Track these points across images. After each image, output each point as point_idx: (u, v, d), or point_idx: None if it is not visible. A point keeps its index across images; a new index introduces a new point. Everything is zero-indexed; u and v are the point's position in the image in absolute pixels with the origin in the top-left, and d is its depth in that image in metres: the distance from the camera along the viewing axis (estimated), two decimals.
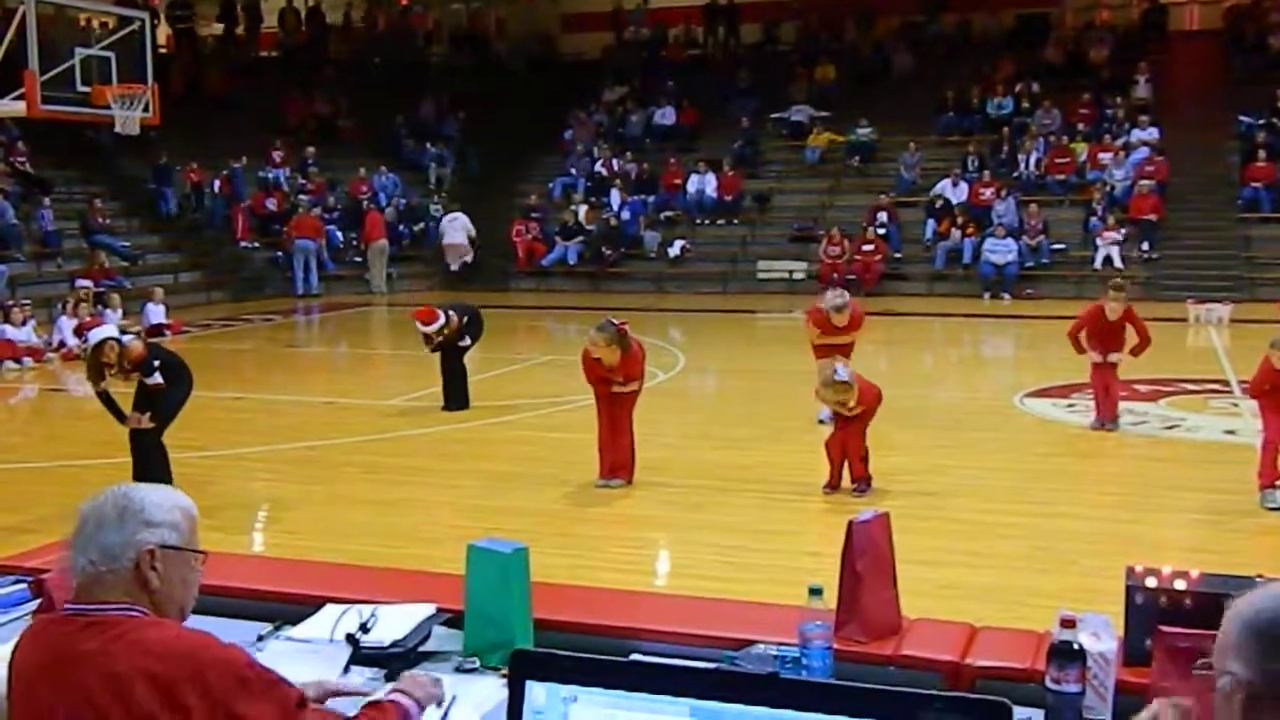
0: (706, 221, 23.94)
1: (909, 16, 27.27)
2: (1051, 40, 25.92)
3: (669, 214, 24.06)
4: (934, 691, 1.68)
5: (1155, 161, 22.03)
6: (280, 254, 22.85)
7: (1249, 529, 7.39)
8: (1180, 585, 2.63)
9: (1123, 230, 20.87)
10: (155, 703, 2.01)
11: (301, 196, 23.60)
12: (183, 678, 2.02)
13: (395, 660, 2.76)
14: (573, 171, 25.42)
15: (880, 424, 8.18)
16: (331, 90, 26.83)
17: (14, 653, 2.21)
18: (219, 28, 28.95)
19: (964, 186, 22.56)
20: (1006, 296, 20.69)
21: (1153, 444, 9.87)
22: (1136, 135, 22.78)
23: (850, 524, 2.93)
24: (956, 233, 21.75)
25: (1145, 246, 20.94)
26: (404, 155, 26.28)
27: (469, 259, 23.50)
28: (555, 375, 12.78)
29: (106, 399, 8.08)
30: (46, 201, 19.95)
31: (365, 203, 24.02)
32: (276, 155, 24.45)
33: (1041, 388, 11.93)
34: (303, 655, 2.69)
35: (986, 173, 22.75)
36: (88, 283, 17.93)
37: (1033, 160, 22.97)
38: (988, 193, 22.20)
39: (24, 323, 15.27)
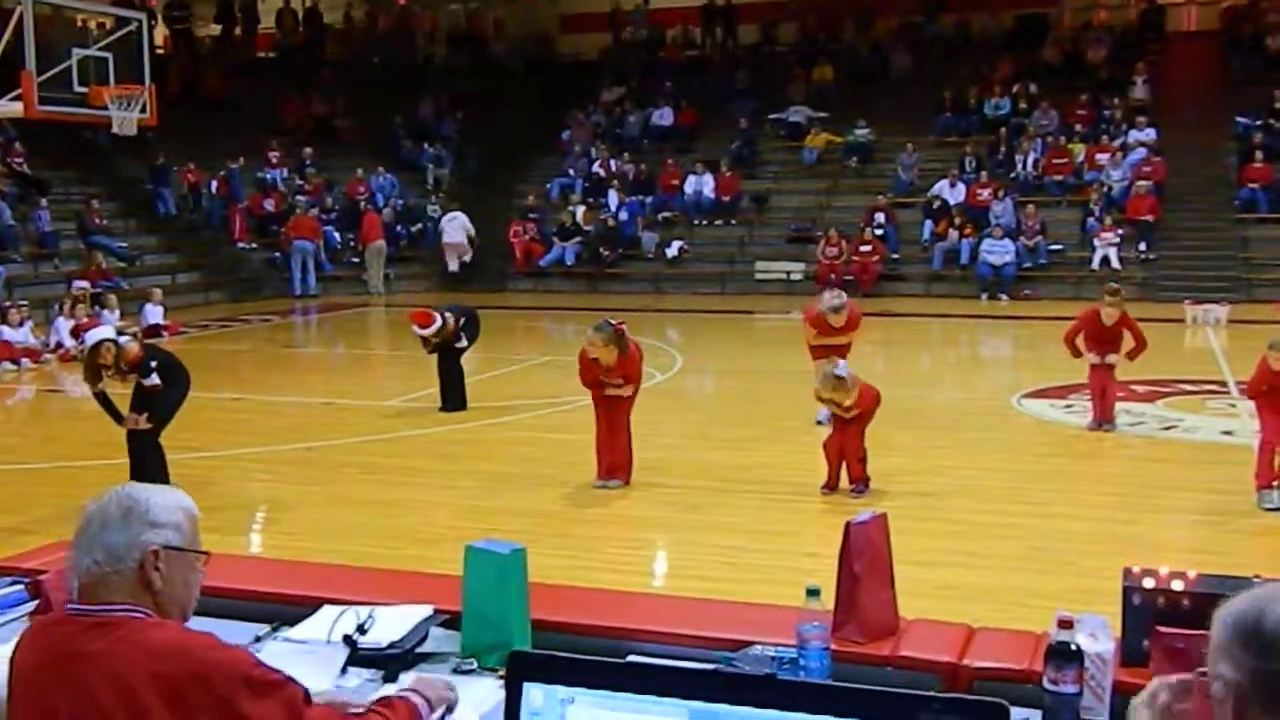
0: (704, 222, 23.94)
1: (907, 17, 27.27)
2: (1049, 41, 25.93)
3: (667, 214, 24.06)
4: (931, 692, 1.68)
5: (1153, 162, 22.05)
6: (278, 255, 22.85)
7: (1246, 529, 7.40)
8: (1177, 586, 2.63)
9: (1120, 231, 20.88)
10: (160, 703, 2.01)
11: (299, 197, 23.60)
12: (188, 678, 2.03)
13: (393, 661, 2.76)
14: (570, 172, 25.42)
15: (878, 425, 8.18)
16: (329, 91, 26.82)
17: (15, 652, 2.21)
18: (216, 28, 28.94)
19: (961, 187, 22.57)
20: (1004, 297, 20.70)
21: (1150, 445, 9.87)
22: (1134, 136, 22.80)
23: (848, 525, 2.93)
24: (954, 233, 21.76)
25: (1143, 247, 20.95)
26: (402, 156, 26.28)
27: (468, 259, 23.51)
28: (553, 376, 12.78)
29: (104, 400, 8.07)
30: (44, 202, 19.94)
31: (363, 203, 24.01)
32: (274, 156, 24.45)
33: (1039, 388, 11.94)
34: (300, 656, 2.69)
35: (984, 173, 22.77)
36: (85, 284, 17.93)
37: (1030, 161, 22.98)
38: (985, 193, 22.22)
39: (21, 324, 15.25)
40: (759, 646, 2.75)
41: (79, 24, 14.15)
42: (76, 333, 14.36)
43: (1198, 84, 24.30)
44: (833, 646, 2.64)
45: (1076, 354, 9.99)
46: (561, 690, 1.71)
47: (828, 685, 2.28)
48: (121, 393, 8.12)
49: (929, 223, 22.26)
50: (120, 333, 9.44)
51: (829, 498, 7.98)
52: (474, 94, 27.56)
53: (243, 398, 12.56)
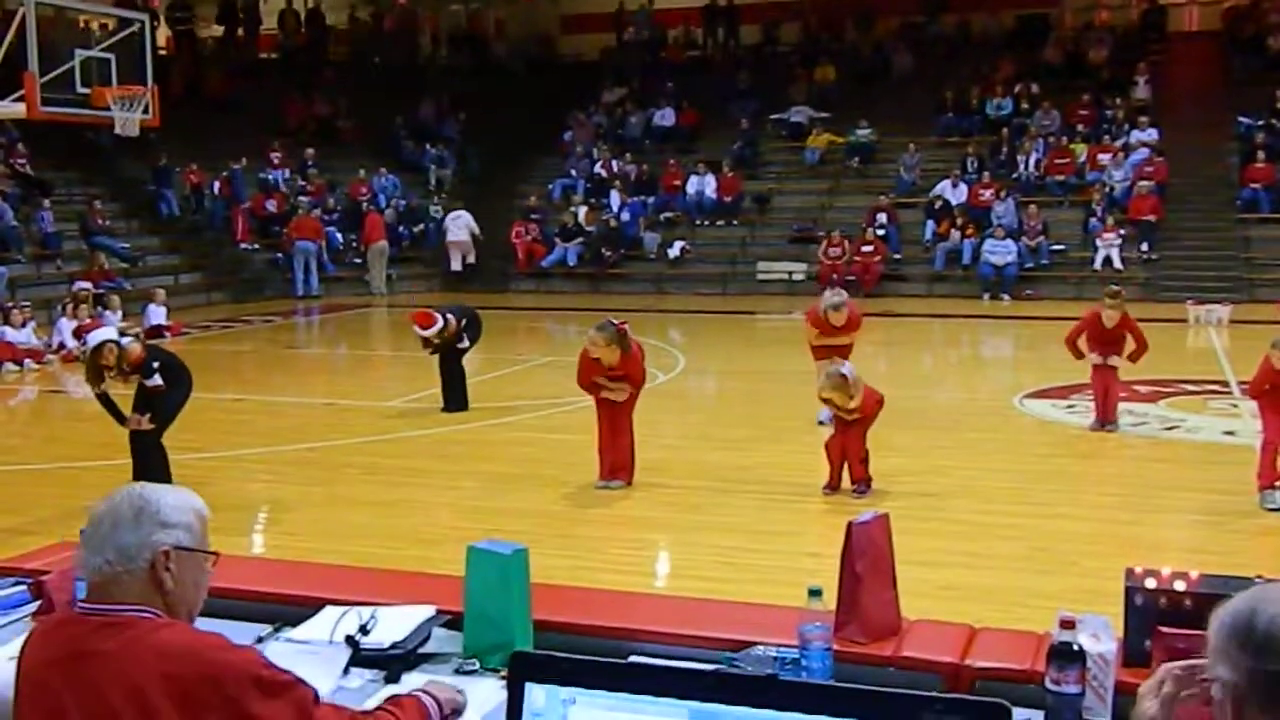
0: (706, 223, 23.94)
1: (909, 17, 27.27)
2: (1051, 41, 25.93)
3: (668, 215, 24.07)
4: (933, 693, 1.68)
5: (1154, 162, 22.05)
6: (280, 255, 22.87)
7: (1248, 530, 7.39)
8: (1180, 586, 2.63)
9: (1122, 231, 20.87)
10: (169, 704, 2.01)
11: (301, 198, 23.61)
12: (197, 679, 2.03)
13: (395, 662, 2.76)
14: (572, 173, 25.42)
15: (880, 425, 8.18)
16: (331, 92, 26.84)
17: (23, 651, 2.21)
18: (218, 29, 28.96)
19: (963, 187, 22.57)
20: (1006, 297, 20.69)
21: (1152, 445, 9.87)
22: (1136, 136, 22.80)
23: (850, 525, 2.93)
24: (956, 234, 21.75)
25: (1144, 247, 20.95)
26: (404, 156, 26.29)
27: (471, 259, 23.52)
28: (555, 376, 12.78)
29: (106, 401, 8.08)
30: (46, 203, 19.96)
31: (365, 204, 24.02)
32: (276, 157, 24.47)
33: (1041, 389, 11.93)
34: (302, 657, 2.69)
35: (986, 174, 22.76)
36: (87, 284, 17.92)
37: (1032, 161, 22.98)
38: (987, 194, 22.21)
39: (24, 324, 15.26)
40: (761, 647, 2.75)
41: (81, 25, 14.16)
42: (79, 333, 14.37)
43: (1199, 84, 24.29)
44: (834, 647, 2.65)
45: (1079, 355, 9.98)
46: (563, 691, 1.71)
47: (829, 686, 2.28)
48: (124, 393, 8.12)
49: (931, 223, 22.26)
50: (122, 333, 9.46)
51: (830, 498, 7.98)
52: (475, 94, 27.57)
53: (245, 398, 12.56)
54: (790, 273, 22.38)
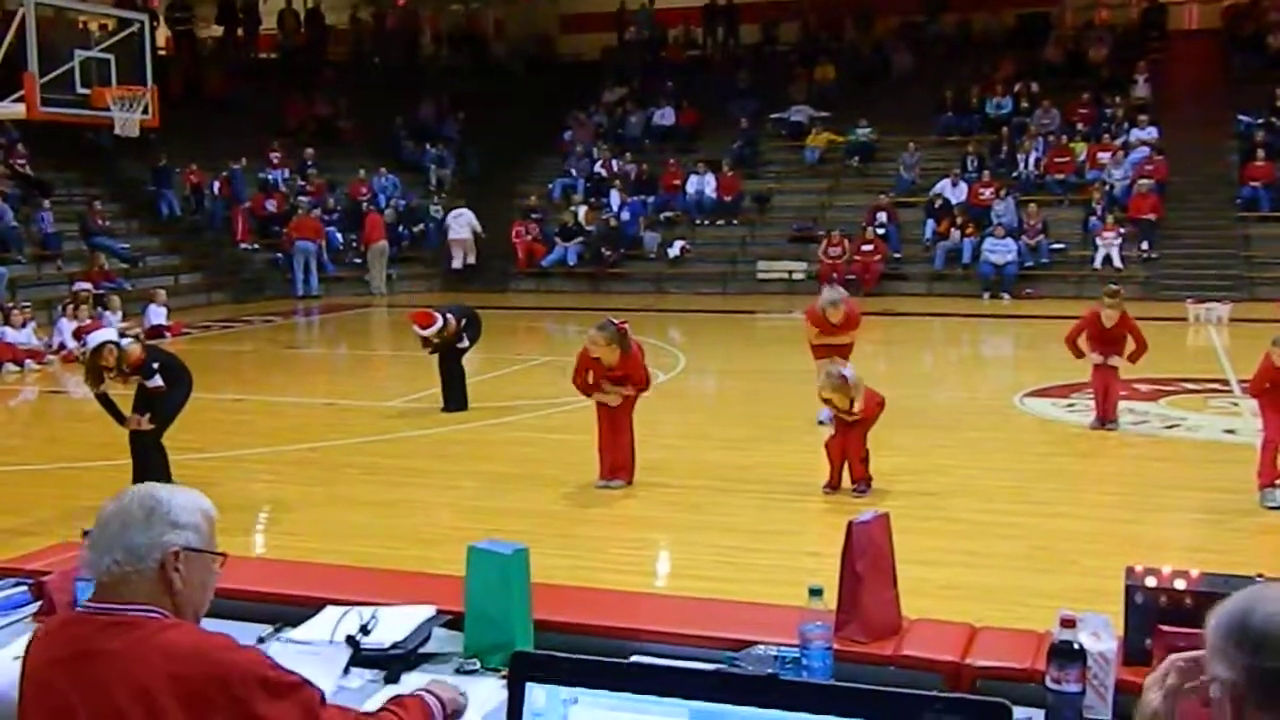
0: (706, 222, 23.94)
1: (908, 16, 27.27)
2: (1051, 40, 25.93)
3: (668, 214, 24.06)
4: (934, 692, 1.68)
5: (1154, 161, 22.04)
6: (280, 255, 22.86)
7: (1249, 528, 7.39)
8: (1180, 585, 2.63)
9: (1122, 230, 20.87)
10: (176, 704, 2.02)
11: (301, 198, 23.61)
12: (204, 679, 2.03)
13: (395, 662, 2.76)
14: (572, 172, 25.42)
15: (880, 424, 8.17)
16: (330, 92, 26.84)
17: (29, 649, 2.21)
18: (218, 30, 28.96)
19: (963, 186, 22.57)
20: (1006, 296, 20.69)
21: (1153, 443, 9.87)
22: (1136, 135, 22.80)
23: (850, 524, 2.93)
24: (956, 233, 21.75)
25: (1144, 246, 20.94)
26: (403, 156, 26.29)
27: (472, 258, 23.53)
28: (555, 376, 12.76)
29: (106, 401, 8.08)
30: (46, 204, 19.95)
31: (365, 204, 24.03)
32: (276, 157, 24.47)
33: (1041, 387, 11.93)
34: (303, 657, 2.69)
35: (986, 172, 22.75)
36: (87, 285, 17.93)
37: (1032, 160, 22.98)
38: (987, 192, 22.21)
39: (24, 325, 15.27)
40: (761, 646, 2.75)
41: (81, 25, 14.17)
42: (79, 334, 14.36)
43: (1199, 82, 24.28)
44: (835, 646, 2.64)
45: (1079, 355, 9.98)
46: (564, 690, 1.71)
47: (830, 685, 2.28)
48: (124, 394, 8.13)
49: (931, 222, 22.26)
50: (122, 334, 9.46)
51: (831, 497, 7.98)
52: (475, 94, 27.57)
53: (245, 398, 12.56)
54: (790, 272, 22.38)
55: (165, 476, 7.59)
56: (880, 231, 22.10)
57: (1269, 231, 20.95)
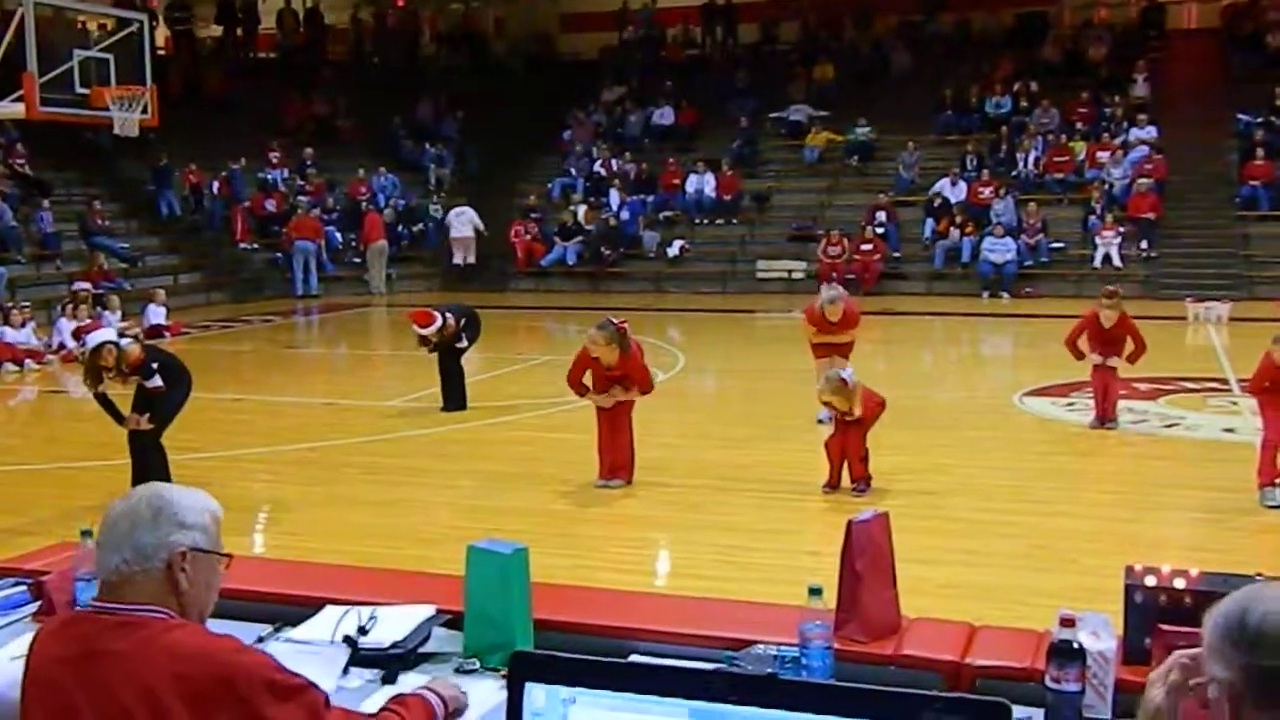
0: (705, 221, 23.94)
1: (907, 15, 27.27)
2: (1050, 39, 25.93)
3: (668, 214, 24.06)
4: (934, 692, 1.68)
5: (1154, 160, 22.05)
6: (279, 255, 22.86)
7: (1248, 527, 7.39)
8: (1179, 584, 2.63)
9: (1121, 229, 20.87)
10: (181, 705, 2.02)
11: (300, 198, 23.62)
12: (210, 680, 2.04)
13: (395, 662, 2.76)
14: (571, 171, 25.42)
15: (879, 424, 8.17)
16: (330, 91, 26.84)
17: (33, 648, 2.21)
18: (217, 29, 28.96)
19: (962, 185, 22.57)
20: (1005, 295, 20.69)
21: (1152, 442, 9.87)
22: (1135, 134, 22.80)
23: (850, 523, 2.93)
24: (955, 232, 21.76)
25: (1144, 245, 20.94)
26: (403, 156, 26.28)
27: (471, 258, 23.52)
28: (554, 376, 12.69)
29: (105, 401, 8.08)
30: (46, 203, 19.95)
31: (364, 204, 24.03)
32: (275, 156, 24.47)
33: (1041, 386, 11.93)
34: (303, 657, 2.69)
35: (985, 172, 22.76)
36: (87, 285, 17.93)
37: (1031, 159, 22.98)
38: (986, 192, 22.21)
39: (23, 325, 15.27)
40: (761, 646, 2.75)
41: (80, 25, 14.17)
42: (78, 334, 14.35)
43: (1198, 81, 24.28)
44: (835, 645, 2.64)
45: (1079, 356, 9.99)
46: (563, 690, 1.71)
47: (829, 685, 2.28)
48: (123, 394, 8.12)
49: (930, 221, 22.26)
50: (122, 334, 9.46)
51: (830, 496, 7.98)
52: (474, 93, 27.57)
53: (244, 398, 12.56)
54: (790, 271, 22.38)
55: (164, 476, 7.59)
56: (879, 231, 22.10)
57: (1268, 230, 20.95)
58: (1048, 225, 21.55)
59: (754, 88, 26.36)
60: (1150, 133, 22.66)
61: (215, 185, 23.35)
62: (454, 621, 2.92)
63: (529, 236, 23.81)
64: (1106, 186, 21.88)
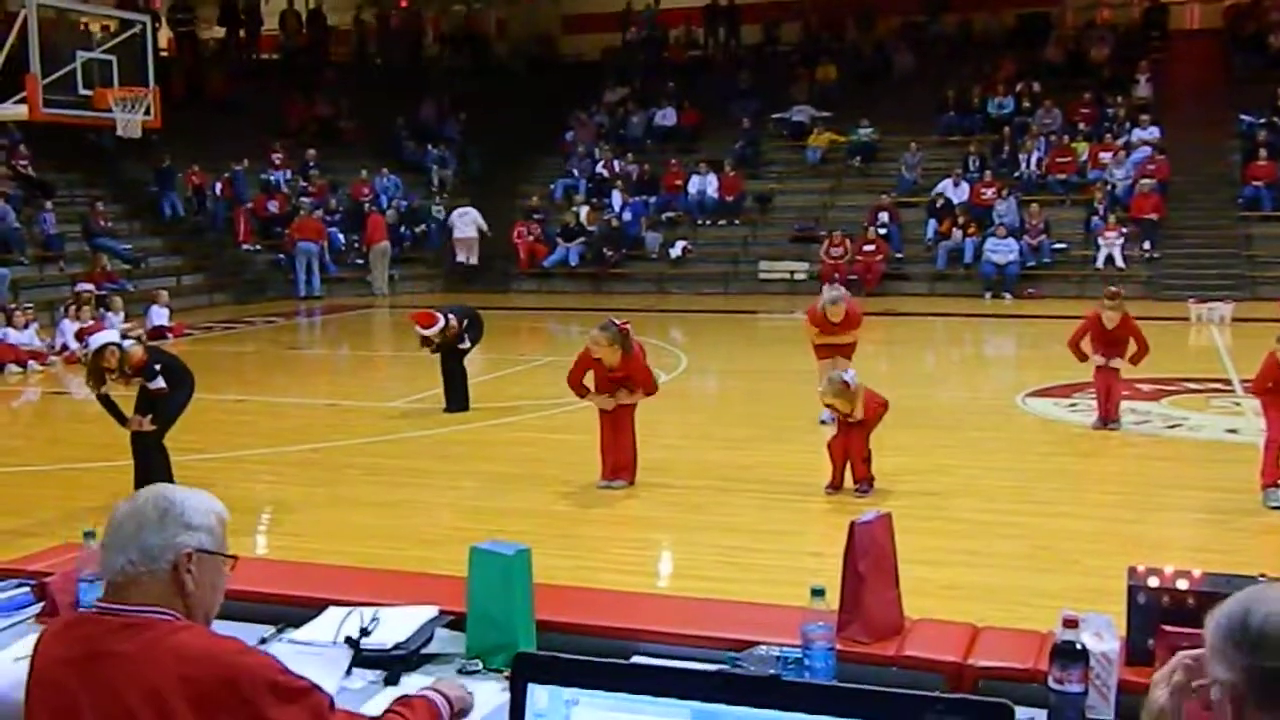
0: (708, 222, 23.94)
1: (910, 16, 27.28)
2: (1052, 40, 25.93)
3: (670, 215, 24.07)
4: (936, 693, 1.68)
5: (1156, 160, 22.03)
6: (282, 256, 22.89)
7: (1252, 528, 7.38)
8: (1183, 585, 2.63)
9: (1124, 229, 20.86)
10: (186, 706, 2.02)
11: (303, 199, 23.64)
12: (215, 682, 2.04)
13: (397, 663, 2.76)
14: (574, 173, 25.43)
15: (882, 424, 8.16)
16: (332, 92, 26.86)
17: (37, 648, 2.21)
18: (220, 31, 28.99)
19: (965, 186, 22.56)
20: (1008, 296, 20.69)
21: (1155, 443, 9.86)
22: (1137, 134, 22.79)
23: (852, 524, 2.93)
24: (958, 232, 21.74)
25: (1147, 246, 20.93)
26: (405, 157, 26.30)
27: (474, 258, 23.53)
28: (557, 377, 12.69)
29: (107, 402, 8.08)
30: (48, 205, 19.98)
31: (367, 205, 24.04)
32: (278, 158, 24.49)
33: (1043, 387, 11.92)
34: (305, 658, 2.69)
35: (988, 172, 22.75)
36: (90, 286, 17.94)
37: (1034, 160, 22.97)
38: (989, 192, 22.20)
39: (26, 326, 15.28)
40: (764, 647, 2.75)
41: (83, 27, 14.19)
42: (81, 335, 14.38)
43: (1201, 82, 24.27)
44: (837, 646, 2.64)
45: (1082, 358, 9.98)
46: (566, 691, 1.71)
47: (832, 686, 2.28)
48: (126, 395, 8.13)
49: (933, 222, 22.26)
50: (125, 335, 9.46)
51: (833, 497, 7.97)
52: (476, 95, 27.59)
53: (247, 399, 12.57)
54: (792, 272, 22.37)
55: (167, 478, 7.59)
56: (882, 231, 22.09)
57: (1271, 231, 20.93)
58: (1050, 226, 21.55)
59: (756, 88, 26.37)
60: (1153, 133, 22.65)
61: (218, 186, 23.37)
62: (456, 622, 2.93)
63: (531, 237, 23.82)
64: (1109, 187, 21.87)
